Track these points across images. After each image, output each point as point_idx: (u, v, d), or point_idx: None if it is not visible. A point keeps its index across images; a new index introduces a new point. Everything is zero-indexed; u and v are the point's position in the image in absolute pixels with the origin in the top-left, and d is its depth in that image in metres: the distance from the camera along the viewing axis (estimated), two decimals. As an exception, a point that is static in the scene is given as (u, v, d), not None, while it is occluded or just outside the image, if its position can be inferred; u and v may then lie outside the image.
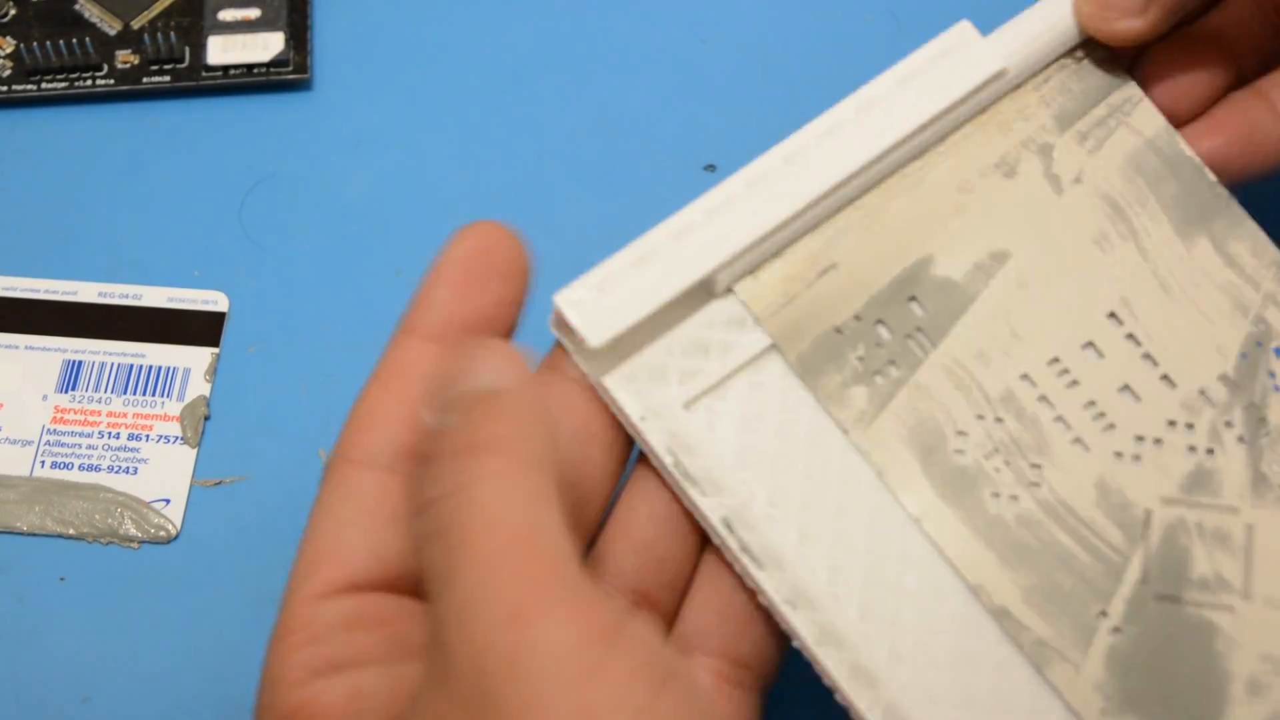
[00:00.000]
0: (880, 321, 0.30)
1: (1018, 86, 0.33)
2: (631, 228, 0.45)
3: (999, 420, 0.30)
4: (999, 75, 0.32)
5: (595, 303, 0.29)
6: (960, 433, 0.30)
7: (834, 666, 0.28)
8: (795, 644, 0.28)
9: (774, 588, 0.28)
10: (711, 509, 0.29)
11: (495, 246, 0.27)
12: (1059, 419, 0.30)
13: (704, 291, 0.30)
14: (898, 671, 0.28)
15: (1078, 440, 0.30)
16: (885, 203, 0.31)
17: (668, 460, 0.29)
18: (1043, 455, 0.30)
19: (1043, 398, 0.31)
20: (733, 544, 0.28)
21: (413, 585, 0.26)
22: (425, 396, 0.25)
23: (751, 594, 0.29)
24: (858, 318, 0.30)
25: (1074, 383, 0.31)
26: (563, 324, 0.29)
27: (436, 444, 0.24)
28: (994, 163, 0.32)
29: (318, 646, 0.25)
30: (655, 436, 0.29)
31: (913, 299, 0.31)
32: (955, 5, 0.45)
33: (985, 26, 0.38)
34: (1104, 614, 0.29)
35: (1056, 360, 0.31)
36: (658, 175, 0.42)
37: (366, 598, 0.25)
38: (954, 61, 0.32)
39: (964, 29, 0.32)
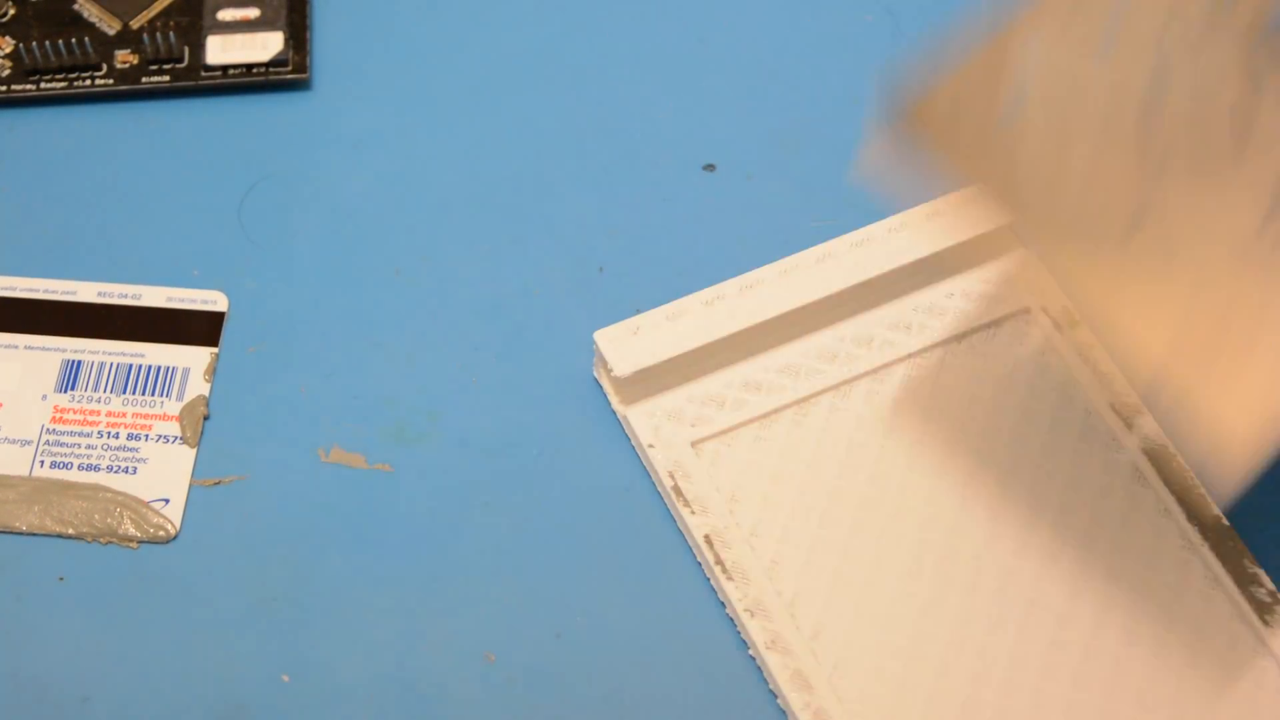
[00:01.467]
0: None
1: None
2: (632, 228, 0.45)
3: None
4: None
5: (626, 342, 0.36)
6: None
7: (778, 670, 0.33)
8: (750, 651, 0.34)
9: (738, 598, 0.34)
10: (697, 526, 0.35)
11: None
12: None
13: (726, 354, 0.37)
14: (836, 684, 0.33)
15: None
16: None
17: (667, 483, 0.36)
18: None
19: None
20: (709, 556, 0.35)
21: None
22: None
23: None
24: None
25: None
26: (600, 361, 0.37)
27: None
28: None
29: None
30: (659, 461, 0.36)
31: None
32: (955, 5, 0.45)
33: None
34: None
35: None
36: (658, 175, 0.42)
37: None
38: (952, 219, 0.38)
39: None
